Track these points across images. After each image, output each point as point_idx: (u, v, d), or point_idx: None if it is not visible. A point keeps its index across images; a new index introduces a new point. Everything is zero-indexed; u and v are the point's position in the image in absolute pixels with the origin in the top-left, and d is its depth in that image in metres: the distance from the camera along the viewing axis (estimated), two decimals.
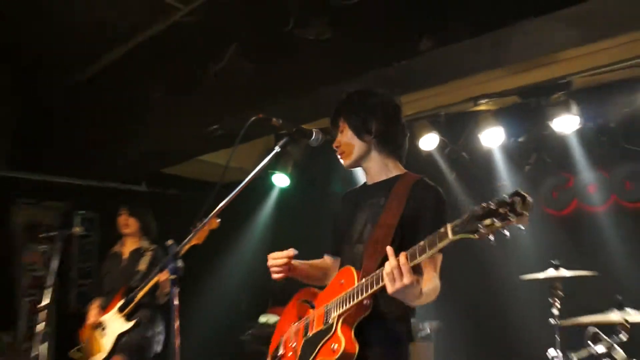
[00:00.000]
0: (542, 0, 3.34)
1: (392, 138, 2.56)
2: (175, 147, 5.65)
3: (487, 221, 1.75)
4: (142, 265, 4.92)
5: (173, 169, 6.69)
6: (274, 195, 6.97)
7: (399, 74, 3.97)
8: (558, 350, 3.72)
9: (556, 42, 3.60)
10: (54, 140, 6.17)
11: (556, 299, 3.85)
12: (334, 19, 4.04)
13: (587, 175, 5.23)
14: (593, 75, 4.81)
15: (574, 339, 3.74)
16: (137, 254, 5.06)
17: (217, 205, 2.26)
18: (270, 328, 5.36)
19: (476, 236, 1.79)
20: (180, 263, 2.13)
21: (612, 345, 3.53)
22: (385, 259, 2.06)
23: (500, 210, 1.73)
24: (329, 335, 2.25)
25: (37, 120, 5.97)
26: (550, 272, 3.86)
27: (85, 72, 5.12)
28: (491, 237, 1.78)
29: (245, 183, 2.23)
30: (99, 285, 5.15)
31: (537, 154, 5.47)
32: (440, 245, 1.91)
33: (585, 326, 3.67)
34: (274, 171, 6.36)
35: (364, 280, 2.21)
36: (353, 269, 2.34)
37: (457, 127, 5.74)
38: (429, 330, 4.89)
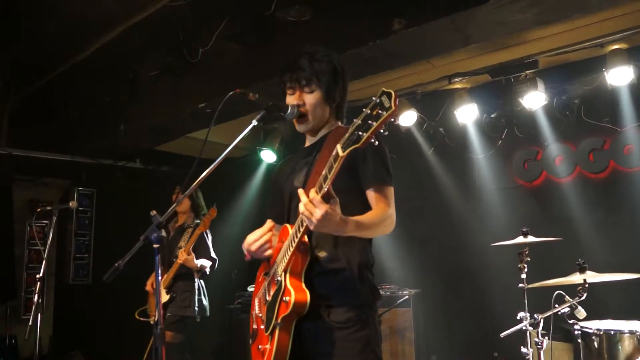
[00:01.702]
0: None
1: (344, 104, 2.50)
2: (167, 125, 5.63)
3: (366, 126, 1.77)
4: (182, 242, 5.02)
5: (166, 146, 6.67)
6: (262, 170, 6.97)
7: (374, 53, 3.97)
8: (526, 312, 3.80)
9: (517, 23, 3.63)
10: (52, 119, 6.13)
11: (524, 264, 3.90)
12: (313, 1, 4.02)
13: (554, 148, 5.30)
14: (557, 55, 4.91)
15: (541, 300, 3.82)
16: (180, 230, 5.18)
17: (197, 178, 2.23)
18: None
19: (361, 143, 1.79)
20: (163, 233, 2.12)
21: (575, 304, 3.62)
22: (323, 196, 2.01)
23: (373, 112, 1.75)
24: (281, 291, 2.23)
25: (36, 100, 5.92)
26: (519, 239, 3.92)
27: (82, 53, 5.07)
28: (374, 142, 1.80)
29: (222, 158, 2.20)
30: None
31: (509, 128, 5.54)
32: (337, 165, 1.88)
33: (551, 288, 3.75)
34: (262, 147, 6.37)
35: (294, 227, 2.18)
36: (288, 225, 2.31)
37: (434, 104, 5.78)
38: (407, 297, 4.95)
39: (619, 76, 4.64)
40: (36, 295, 4.35)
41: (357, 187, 2.29)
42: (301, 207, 1.96)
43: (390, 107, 1.73)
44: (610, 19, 4.33)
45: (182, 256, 4.78)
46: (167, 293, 4.85)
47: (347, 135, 1.83)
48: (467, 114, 5.45)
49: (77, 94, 5.87)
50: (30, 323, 4.36)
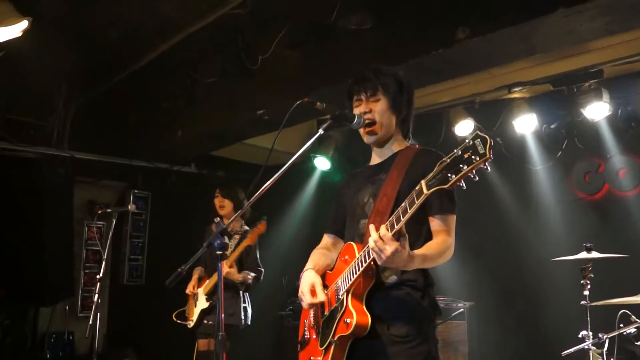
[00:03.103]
0: None
1: (410, 119, 2.52)
2: (224, 131, 5.72)
3: (455, 168, 1.75)
4: (228, 250, 4.98)
5: (221, 151, 6.78)
6: (315, 177, 7.00)
7: (435, 62, 3.94)
8: (589, 331, 3.69)
9: (586, 32, 3.53)
10: (112, 123, 6.31)
11: (587, 281, 3.80)
12: (374, 10, 4.03)
13: (617, 160, 5.15)
14: (623, 64, 4.75)
15: (605, 320, 3.71)
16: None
17: (262, 186, 2.26)
18: None
19: (448, 185, 1.79)
20: (226, 240, 2.15)
21: None
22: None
23: (465, 155, 1.74)
24: (342, 311, 2.25)
25: (98, 104, 6.11)
26: (582, 255, 3.82)
27: (143, 59, 5.21)
28: (462, 185, 1.79)
29: (289, 165, 2.24)
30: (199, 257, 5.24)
31: (569, 140, 5.41)
32: (419, 202, 1.90)
33: (615, 307, 3.63)
34: (316, 155, 6.40)
35: (361, 253, 2.20)
36: (354, 244, 2.33)
37: (492, 114, 5.68)
38: (462, 309, 4.88)
39: None
40: (96, 295, 4.47)
41: (421, 214, 2.28)
42: (371, 243, 1.99)
43: (484, 154, 1.71)
44: None
45: (224, 269, 4.73)
46: (207, 300, 4.80)
47: (433, 173, 1.84)
48: (526, 124, 5.34)
49: (137, 99, 6.04)
50: (90, 322, 4.49)
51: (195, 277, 5.10)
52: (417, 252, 2.11)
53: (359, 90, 2.44)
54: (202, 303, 4.81)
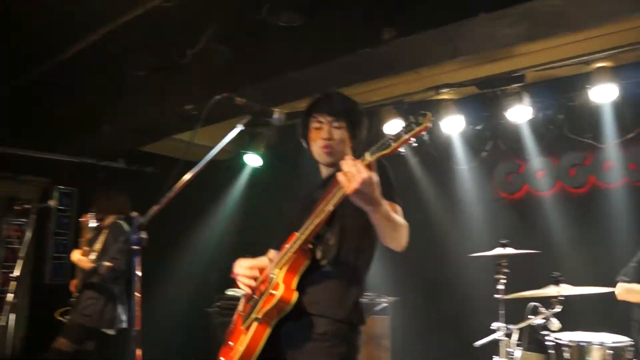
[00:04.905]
0: None
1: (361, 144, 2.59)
2: (152, 126, 5.68)
3: (396, 136, 1.88)
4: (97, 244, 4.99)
5: (151, 146, 6.71)
6: (246, 174, 7.03)
7: (363, 62, 4.07)
8: (501, 323, 3.91)
9: (506, 37, 3.73)
10: (33, 116, 6.13)
11: (502, 276, 4.01)
12: (303, 7, 4.11)
13: (536, 162, 5.44)
14: (544, 70, 5.00)
15: (517, 312, 3.94)
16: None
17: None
18: (237, 301, 5.46)
19: (390, 150, 1.89)
20: (144, 235, 2.13)
21: (549, 316, 3.75)
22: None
23: (406, 127, 1.87)
24: (271, 285, 2.28)
25: (20, 97, 5.93)
26: (497, 251, 4.03)
27: (67, 51, 5.10)
28: (401, 150, 1.92)
29: (207, 160, 2.27)
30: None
31: (493, 141, 5.68)
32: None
33: (527, 300, 3.87)
34: (246, 151, 6.44)
35: (299, 231, 2.26)
36: (297, 233, 2.32)
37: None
38: (385, 304, 5.04)
39: (602, 93, 4.76)
40: (10, 294, 4.34)
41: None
42: (344, 167, 1.95)
43: (422, 123, 1.84)
44: (596, 37, 4.46)
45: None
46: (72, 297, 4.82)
47: (377, 144, 1.93)
48: (453, 125, 5.56)
49: (61, 92, 5.88)
50: (3, 323, 4.35)
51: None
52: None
53: (323, 112, 2.50)
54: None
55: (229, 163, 7.09)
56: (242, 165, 6.80)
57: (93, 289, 4.82)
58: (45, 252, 7.10)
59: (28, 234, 4.69)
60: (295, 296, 2.23)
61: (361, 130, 2.56)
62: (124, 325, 4.90)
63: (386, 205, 2.07)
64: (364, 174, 1.91)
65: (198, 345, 6.38)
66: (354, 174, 1.91)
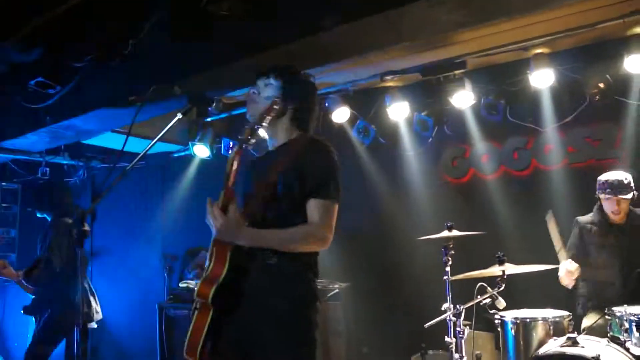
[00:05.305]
0: None
1: (305, 115, 2.65)
2: None
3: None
4: None
5: (95, 139, 6.54)
6: (194, 165, 6.94)
7: (306, 50, 4.06)
8: (450, 303, 4.01)
9: (446, 23, 3.80)
10: None
11: (449, 257, 4.12)
12: None
13: (481, 146, 5.57)
14: (484, 57, 5.11)
15: (466, 292, 4.05)
16: None
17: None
18: (190, 293, 5.41)
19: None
20: (86, 227, 2.14)
21: (495, 295, 3.87)
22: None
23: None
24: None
25: None
26: (444, 233, 4.13)
27: (7, 39, 4.92)
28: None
29: (145, 151, 2.27)
30: None
31: (439, 127, 5.77)
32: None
33: (475, 281, 3.99)
34: (194, 142, 6.35)
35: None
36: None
37: (367, 101, 5.94)
38: (337, 290, 5.08)
39: (541, 79, 4.91)
40: None
41: (299, 194, 2.41)
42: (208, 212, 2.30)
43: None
44: (534, 24, 4.58)
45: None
46: None
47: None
48: (399, 112, 5.63)
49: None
50: None
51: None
52: (256, 230, 2.32)
53: (262, 72, 2.65)
54: None
55: (180, 154, 7.00)
56: (193, 156, 6.70)
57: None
58: None
59: None
60: (224, 271, 2.31)
61: (292, 92, 2.60)
62: (100, 316, 4.89)
63: (250, 233, 2.33)
64: (217, 222, 2.24)
65: (153, 340, 6.32)
66: (212, 222, 2.26)
